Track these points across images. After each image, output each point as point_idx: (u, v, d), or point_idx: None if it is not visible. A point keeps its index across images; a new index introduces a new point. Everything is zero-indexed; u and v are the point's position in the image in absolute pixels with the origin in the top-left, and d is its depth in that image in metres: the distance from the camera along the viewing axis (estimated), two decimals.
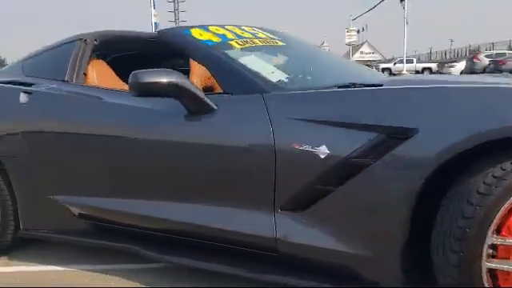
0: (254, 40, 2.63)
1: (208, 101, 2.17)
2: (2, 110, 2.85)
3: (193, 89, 2.15)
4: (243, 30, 2.74)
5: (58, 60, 2.95)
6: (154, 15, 27.06)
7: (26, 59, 3.20)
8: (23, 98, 2.75)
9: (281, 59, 2.55)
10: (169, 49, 3.44)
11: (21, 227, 2.81)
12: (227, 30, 2.65)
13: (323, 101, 2.04)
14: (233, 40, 2.53)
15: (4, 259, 2.93)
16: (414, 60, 43.47)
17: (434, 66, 38.82)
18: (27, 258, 2.92)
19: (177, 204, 2.30)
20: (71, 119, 2.60)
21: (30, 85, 2.87)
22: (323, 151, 1.88)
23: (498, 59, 25.66)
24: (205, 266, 2.26)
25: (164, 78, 2.12)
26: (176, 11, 54.78)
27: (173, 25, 46.86)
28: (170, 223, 2.34)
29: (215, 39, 2.49)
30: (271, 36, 2.82)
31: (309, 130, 1.94)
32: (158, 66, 3.73)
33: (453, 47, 60.89)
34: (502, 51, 30.99)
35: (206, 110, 2.17)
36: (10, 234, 2.85)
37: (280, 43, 2.81)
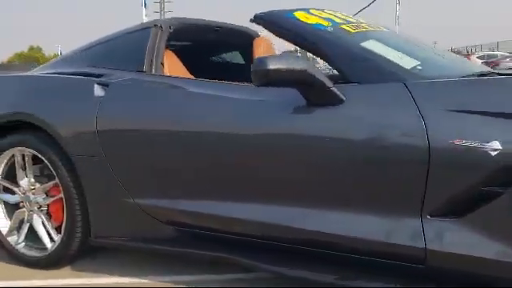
0: (362, 25, 2.35)
1: (337, 91, 1.90)
2: (73, 103, 2.50)
3: (322, 77, 1.88)
4: (344, 15, 2.46)
5: (130, 49, 2.64)
6: (146, 15, 26.59)
7: (86, 49, 2.88)
8: (98, 90, 2.44)
9: (395, 45, 2.26)
10: (240, 40, 3.19)
11: (91, 234, 2.51)
12: (329, 13, 2.37)
13: (485, 89, 1.79)
14: (343, 24, 2.25)
15: (67, 269, 2.63)
16: None
17: None
18: (96, 268, 2.63)
19: (288, 208, 2.03)
20: (158, 113, 2.29)
21: (99, 76, 2.56)
22: (495, 147, 1.63)
23: (491, 60, 25.88)
24: (322, 278, 2.00)
25: (295, 64, 1.82)
26: (162, 11, 54.30)
27: None
28: (277, 229, 2.07)
29: (325, 23, 2.20)
30: (370, 23, 2.56)
31: (473, 124, 1.69)
32: (218, 58, 3.48)
33: None
34: (492, 53, 31.22)
35: (333, 101, 1.90)
36: (76, 242, 2.54)
37: (385, 29, 2.54)
